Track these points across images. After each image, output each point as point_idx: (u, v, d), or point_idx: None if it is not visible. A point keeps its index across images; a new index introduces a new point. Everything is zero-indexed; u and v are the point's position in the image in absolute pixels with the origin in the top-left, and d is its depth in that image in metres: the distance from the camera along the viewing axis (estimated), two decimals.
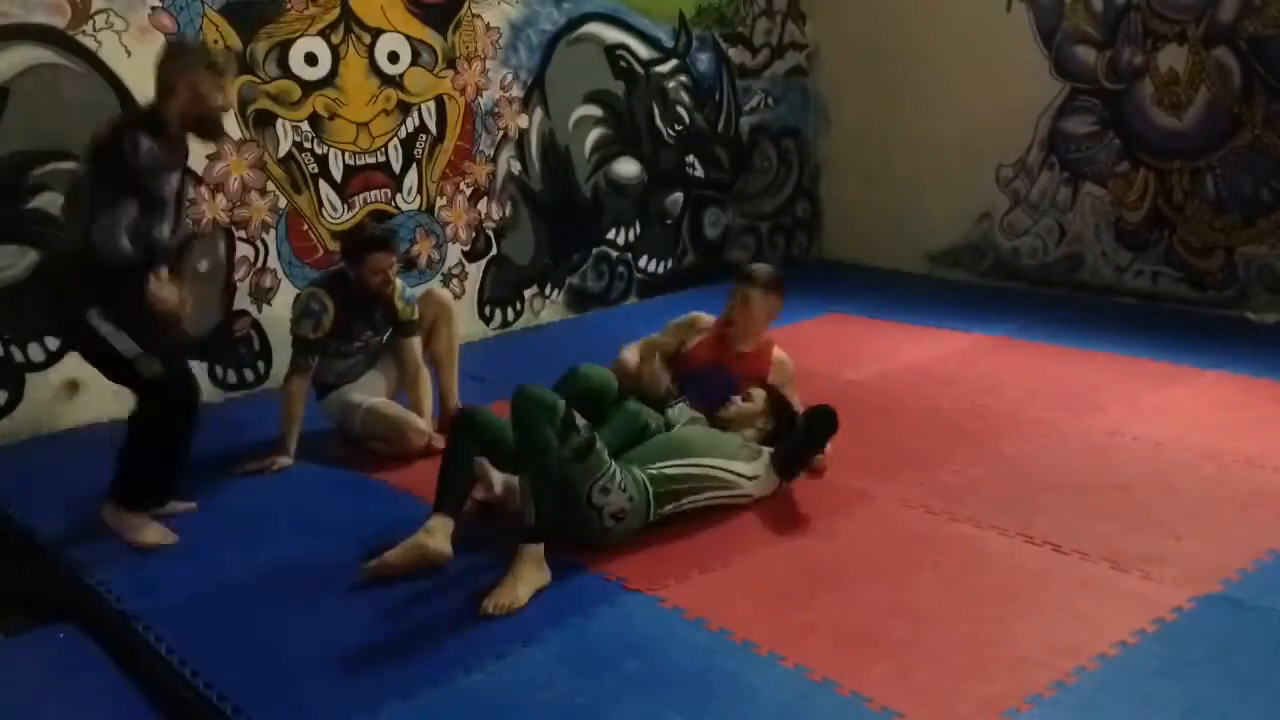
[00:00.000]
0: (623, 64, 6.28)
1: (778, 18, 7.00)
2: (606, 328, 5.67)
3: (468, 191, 5.76)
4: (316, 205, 5.22)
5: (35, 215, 4.49)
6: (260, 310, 5.10)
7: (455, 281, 5.78)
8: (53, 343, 4.58)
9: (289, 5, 5.00)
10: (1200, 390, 4.49)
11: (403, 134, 5.46)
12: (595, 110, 6.20)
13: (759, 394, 3.83)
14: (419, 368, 4.31)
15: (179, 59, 3.48)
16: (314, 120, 5.15)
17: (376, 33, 5.29)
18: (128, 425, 3.61)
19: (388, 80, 5.36)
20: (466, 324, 5.78)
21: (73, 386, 4.64)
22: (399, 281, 4.29)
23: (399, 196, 5.50)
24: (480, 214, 5.83)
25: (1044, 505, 3.49)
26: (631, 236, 6.48)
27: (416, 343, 4.34)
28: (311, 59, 5.10)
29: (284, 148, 5.09)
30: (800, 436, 3.63)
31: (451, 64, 5.59)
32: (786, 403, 3.85)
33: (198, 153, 4.80)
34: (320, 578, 3.27)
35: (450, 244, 5.75)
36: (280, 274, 5.15)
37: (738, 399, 3.82)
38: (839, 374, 4.82)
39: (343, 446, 4.28)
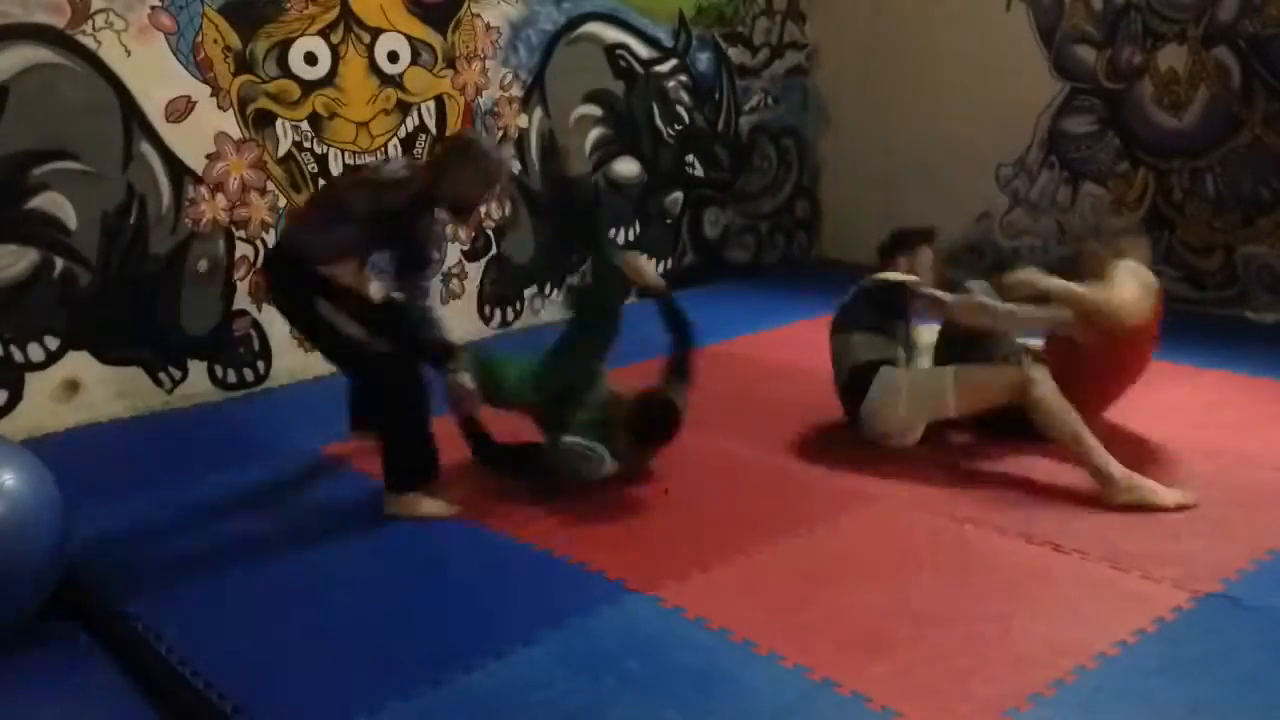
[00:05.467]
0: (622, 63, 6.28)
1: (777, 17, 7.00)
2: None
3: None
4: None
5: (35, 215, 4.48)
6: (260, 310, 5.09)
7: (455, 281, 5.78)
8: (53, 342, 4.58)
9: (289, 5, 4.99)
10: (1200, 390, 4.48)
11: (402, 133, 5.45)
12: (595, 110, 6.20)
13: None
14: None
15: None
16: (314, 120, 5.14)
17: (376, 32, 5.29)
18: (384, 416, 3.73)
19: (387, 80, 5.36)
20: (466, 324, 5.78)
21: (73, 386, 4.64)
22: None
23: None
24: (480, 214, 5.83)
25: (1044, 505, 3.49)
26: (631, 236, 6.48)
27: None
28: (311, 59, 5.10)
29: (284, 147, 5.08)
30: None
31: (451, 63, 5.58)
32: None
33: (198, 152, 4.85)
34: (320, 577, 3.27)
35: (450, 244, 5.75)
36: None
37: None
38: None
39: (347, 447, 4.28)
